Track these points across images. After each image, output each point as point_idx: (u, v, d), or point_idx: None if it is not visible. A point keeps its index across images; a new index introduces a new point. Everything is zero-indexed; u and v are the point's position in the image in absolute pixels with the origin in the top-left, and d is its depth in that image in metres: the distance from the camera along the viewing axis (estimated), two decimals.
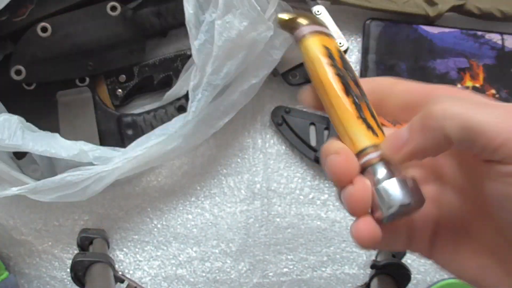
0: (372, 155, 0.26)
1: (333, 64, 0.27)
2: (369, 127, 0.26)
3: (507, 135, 0.21)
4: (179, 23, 0.54)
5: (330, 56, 0.28)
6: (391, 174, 0.25)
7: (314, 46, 0.28)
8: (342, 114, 0.27)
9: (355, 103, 0.27)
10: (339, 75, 0.27)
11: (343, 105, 0.27)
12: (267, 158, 0.59)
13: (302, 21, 0.30)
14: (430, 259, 0.27)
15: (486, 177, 0.23)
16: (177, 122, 0.52)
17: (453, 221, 0.27)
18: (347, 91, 0.27)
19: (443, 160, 0.27)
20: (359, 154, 0.26)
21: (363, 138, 0.26)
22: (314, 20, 0.30)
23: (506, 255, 0.25)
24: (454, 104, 0.23)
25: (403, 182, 0.25)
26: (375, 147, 0.26)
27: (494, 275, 0.25)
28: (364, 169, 0.26)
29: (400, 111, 0.27)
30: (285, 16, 0.31)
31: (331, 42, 0.29)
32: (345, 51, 0.59)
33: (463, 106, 0.23)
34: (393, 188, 0.25)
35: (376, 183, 0.25)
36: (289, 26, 0.30)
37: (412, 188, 0.25)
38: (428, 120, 0.23)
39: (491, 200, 0.24)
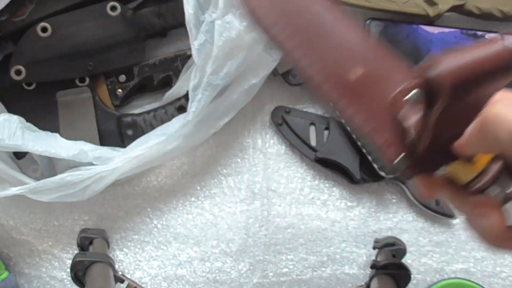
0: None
1: None
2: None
3: None
4: (179, 23, 0.54)
5: None
6: None
7: None
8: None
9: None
10: None
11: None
12: (267, 158, 0.59)
13: None
14: None
15: None
16: (177, 122, 0.52)
17: None
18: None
19: None
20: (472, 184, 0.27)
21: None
22: None
23: None
24: (506, 108, 0.23)
25: None
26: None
27: None
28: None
29: None
30: None
31: None
32: None
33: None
34: None
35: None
36: None
37: None
38: (482, 124, 0.24)
39: None
